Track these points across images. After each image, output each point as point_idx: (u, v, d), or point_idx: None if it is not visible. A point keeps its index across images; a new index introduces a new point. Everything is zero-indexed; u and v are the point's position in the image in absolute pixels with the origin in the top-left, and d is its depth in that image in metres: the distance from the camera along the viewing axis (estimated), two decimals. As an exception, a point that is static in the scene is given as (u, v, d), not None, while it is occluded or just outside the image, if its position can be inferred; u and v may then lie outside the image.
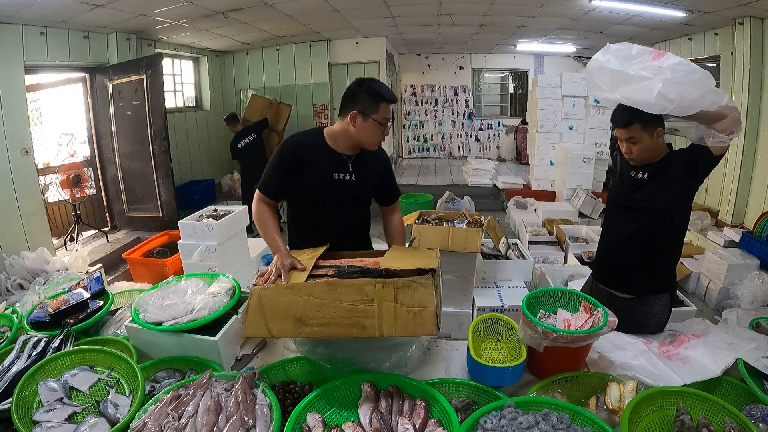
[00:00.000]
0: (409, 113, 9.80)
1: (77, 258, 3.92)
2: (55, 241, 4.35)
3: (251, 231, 5.16)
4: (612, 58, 1.52)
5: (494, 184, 6.98)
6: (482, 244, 2.91)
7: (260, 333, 1.24)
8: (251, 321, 1.23)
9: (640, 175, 1.61)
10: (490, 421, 1.03)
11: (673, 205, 1.57)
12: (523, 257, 3.05)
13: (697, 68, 1.41)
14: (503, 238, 2.99)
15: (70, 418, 1.17)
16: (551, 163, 6.28)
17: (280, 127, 5.99)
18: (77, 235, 4.55)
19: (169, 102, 6.15)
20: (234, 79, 7.46)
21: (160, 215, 5.01)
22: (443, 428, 1.07)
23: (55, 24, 4.15)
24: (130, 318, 1.50)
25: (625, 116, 1.51)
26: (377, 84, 1.55)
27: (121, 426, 1.12)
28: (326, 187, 1.62)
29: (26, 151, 3.89)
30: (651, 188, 1.58)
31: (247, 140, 5.25)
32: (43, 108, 4.61)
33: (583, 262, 3.63)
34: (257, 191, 1.66)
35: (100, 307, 1.67)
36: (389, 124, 1.57)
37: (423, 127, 9.91)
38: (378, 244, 1.88)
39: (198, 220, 3.05)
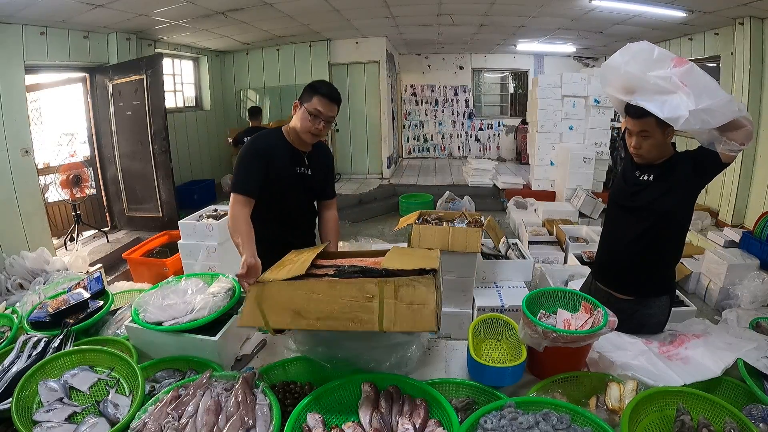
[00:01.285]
0: (409, 113, 9.80)
1: (77, 258, 3.92)
2: (55, 241, 4.35)
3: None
4: (631, 60, 1.45)
5: (494, 184, 6.99)
6: (482, 244, 2.90)
7: (256, 323, 1.22)
8: (247, 311, 1.23)
9: (645, 177, 1.58)
10: (490, 421, 1.03)
11: (679, 208, 1.56)
12: (523, 257, 3.05)
13: (723, 95, 1.34)
14: (503, 238, 2.99)
15: (70, 418, 1.17)
16: (551, 163, 6.28)
17: None
18: (77, 235, 4.55)
19: (169, 102, 6.15)
20: (234, 79, 7.46)
21: (160, 215, 5.01)
22: (443, 428, 1.07)
23: (55, 24, 4.15)
24: (130, 318, 1.50)
25: (641, 108, 1.43)
26: (321, 82, 1.70)
27: (121, 426, 1.12)
28: (290, 180, 1.75)
29: (26, 151, 3.89)
30: (657, 190, 1.55)
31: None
32: (43, 108, 4.62)
33: (583, 262, 3.63)
34: (232, 195, 1.64)
35: (100, 307, 1.67)
36: (321, 118, 1.66)
37: (423, 127, 9.91)
38: (379, 245, 1.89)
39: (198, 220, 3.05)
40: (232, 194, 1.65)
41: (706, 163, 1.48)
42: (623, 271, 1.69)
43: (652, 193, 1.56)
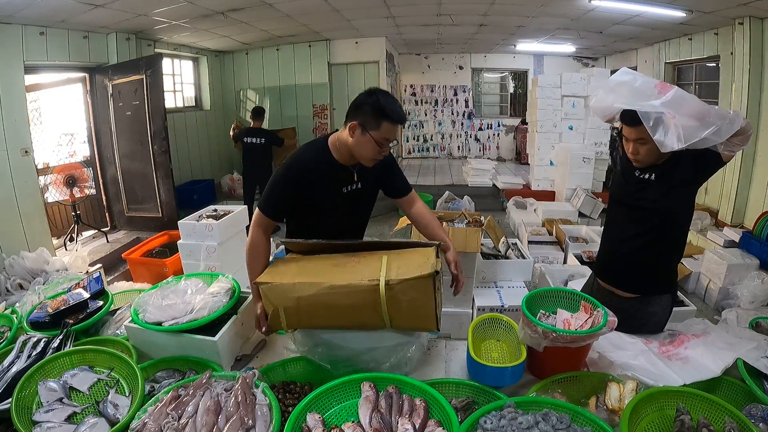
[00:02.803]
0: (409, 113, 9.79)
1: (77, 258, 3.92)
2: (55, 241, 4.35)
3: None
4: (616, 95, 1.43)
5: (494, 184, 6.99)
6: (482, 244, 2.90)
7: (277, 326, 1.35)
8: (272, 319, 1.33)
9: (646, 176, 1.58)
10: (490, 421, 1.03)
11: (680, 207, 1.56)
12: (523, 257, 3.05)
13: (713, 118, 1.29)
14: (503, 238, 2.99)
15: (69, 419, 1.17)
16: (551, 163, 6.28)
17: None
18: (77, 235, 4.55)
19: (169, 102, 6.15)
20: (234, 79, 7.45)
21: (160, 215, 5.01)
22: (443, 428, 1.07)
23: (55, 24, 4.15)
24: (130, 318, 1.50)
25: (637, 115, 1.40)
26: (386, 99, 1.44)
27: (121, 426, 1.12)
28: (335, 201, 1.57)
29: (26, 151, 3.89)
30: (659, 189, 1.55)
31: (254, 140, 5.31)
32: (43, 108, 4.61)
33: (583, 262, 3.63)
34: (257, 211, 1.54)
35: (100, 307, 1.67)
36: (390, 144, 1.47)
37: (423, 127, 9.91)
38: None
39: (198, 220, 3.05)
40: (258, 211, 1.53)
41: (707, 163, 1.49)
42: (625, 270, 1.70)
43: (654, 193, 1.56)
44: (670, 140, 1.30)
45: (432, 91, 9.67)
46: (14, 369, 1.31)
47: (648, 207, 1.58)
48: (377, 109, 1.42)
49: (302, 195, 1.52)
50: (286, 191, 1.51)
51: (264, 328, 1.42)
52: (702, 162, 1.49)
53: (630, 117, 1.46)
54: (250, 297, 1.65)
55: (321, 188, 1.53)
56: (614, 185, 1.84)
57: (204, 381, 1.21)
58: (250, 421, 1.08)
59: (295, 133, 6.25)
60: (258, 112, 5.51)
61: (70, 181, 4.37)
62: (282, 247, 3.81)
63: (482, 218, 2.80)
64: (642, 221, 1.61)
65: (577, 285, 2.32)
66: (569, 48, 7.74)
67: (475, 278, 2.75)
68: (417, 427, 1.07)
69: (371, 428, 1.08)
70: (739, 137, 1.37)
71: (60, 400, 1.21)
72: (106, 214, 5.35)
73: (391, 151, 1.63)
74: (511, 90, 9.91)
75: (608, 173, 6.03)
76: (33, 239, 3.89)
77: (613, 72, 7.71)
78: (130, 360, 1.34)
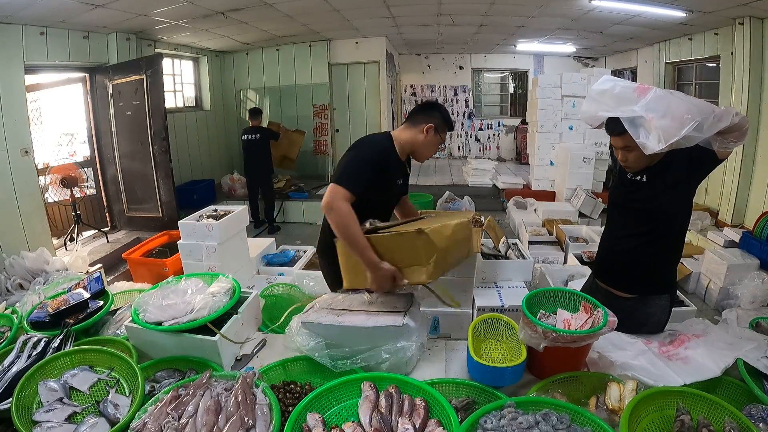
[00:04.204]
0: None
1: (77, 258, 3.92)
2: (55, 241, 4.35)
3: (253, 230, 5.22)
4: (600, 105, 1.45)
5: (494, 184, 6.98)
6: (482, 244, 2.90)
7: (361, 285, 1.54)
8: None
9: (639, 178, 1.59)
10: (490, 421, 1.03)
11: (675, 207, 1.56)
12: (523, 257, 3.04)
13: (694, 115, 1.26)
14: (503, 238, 2.98)
15: (70, 418, 1.17)
16: (551, 163, 6.28)
17: (294, 154, 6.44)
18: (77, 235, 4.55)
19: (169, 102, 6.15)
20: (234, 79, 7.46)
21: (160, 215, 5.01)
22: (443, 428, 1.07)
23: (55, 24, 4.15)
24: (130, 318, 1.50)
25: (621, 125, 1.40)
26: (448, 113, 1.82)
27: (121, 426, 1.12)
28: (392, 191, 1.81)
29: (26, 151, 3.89)
30: (651, 190, 1.56)
31: (250, 136, 5.61)
32: (43, 108, 4.61)
33: (583, 262, 3.62)
34: (342, 189, 1.52)
35: (100, 307, 1.67)
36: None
37: (423, 127, 9.90)
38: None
39: (198, 220, 3.04)
40: (340, 188, 1.52)
41: (701, 160, 1.48)
42: (623, 270, 1.70)
43: (647, 193, 1.57)
44: (651, 142, 1.31)
45: (432, 91, 9.67)
46: (14, 369, 1.31)
47: (641, 208, 1.59)
48: (447, 120, 1.78)
49: (380, 176, 1.64)
50: (373, 169, 1.63)
51: (405, 280, 1.49)
52: (696, 161, 1.49)
53: (613, 126, 1.46)
54: (251, 297, 1.65)
55: (390, 173, 1.73)
56: (612, 186, 1.85)
57: (204, 381, 1.21)
58: (251, 421, 1.08)
59: (280, 127, 6.35)
60: (254, 112, 5.75)
61: (67, 183, 4.36)
62: (282, 247, 3.79)
63: (482, 218, 2.80)
64: (636, 222, 1.62)
65: (577, 285, 2.32)
66: (569, 48, 7.74)
67: (475, 278, 2.75)
68: (417, 426, 1.07)
69: (371, 428, 1.08)
70: (734, 133, 1.35)
71: (60, 399, 1.21)
72: (107, 214, 5.35)
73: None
74: (512, 90, 9.91)
75: (608, 173, 6.03)
76: (33, 239, 3.89)
77: (613, 72, 7.75)
78: (131, 360, 1.34)
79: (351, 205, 1.52)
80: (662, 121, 1.29)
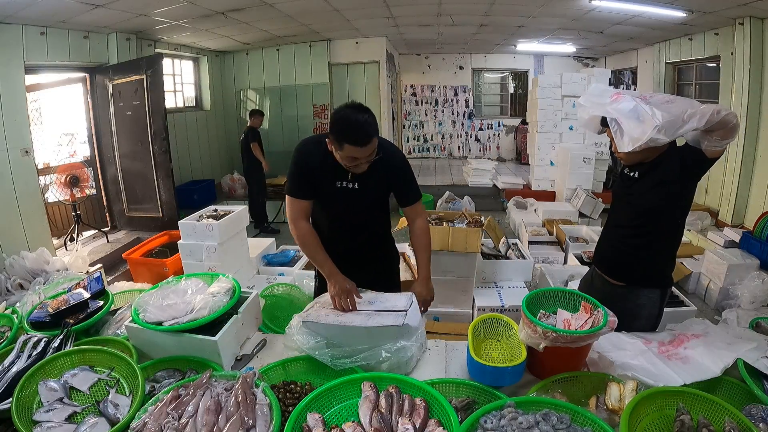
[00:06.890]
0: (409, 113, 9.80)
1: (77, 258, 3.92)
2: (55, 241, 4.35)
3: (253, 230, 5.23)
4: (590, 106, 1.61)
5: (494, 184, 6.99)
6: (482, 244, 2.91)
7: None
8: None
9: (632, 174, 1.65)
10: (490, 421, 1.03)
11: (665, 203, 1.58)
12: (523, 257, 3.05)
13: (662, 115, 1.38)
14: (503, 238, 2.99)
15: (70, 418, 1.17)
16: (551, 163, 6.28)
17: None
18: (77, 235, 4.55)
19: (169, 102, 6.15)
20: (234, 79, 7.45)
21: (160, 215, 5.01)
22: (443, 428, 1.07)
23: (55, 24, 4.15)
24: (130, 318, 1.50)
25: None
26: (347, 120, 1.44)
27: (121, 426, 1.12)
28: (332, 193, 1.65)
29: (26, 151, 3.89)
30: (642, 186, 1.61)
31: (242, 136, 5.72)
32: (43, 108, 4.61)
33: (583, 262, 3.62)
34: (288, 198, 1.65)
35: (100, 307, 1.67)
36: (361, 161, 1.49)
37: (423, 127, 9.91)
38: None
39: (198, 220, 3.04)
40: (287, 197, 1.65)
41: (689, 160, 1.51)
42: (614, 257, 1.77)
43: (638, 189, 1.63)
44: (621, 144, 1.47)
45: (432, 91, 9.67)
46: (15, 369, 1.31)
47: (633, 203, 1.65)
48: (337, 134, 1.46)
49: (310, 175, 1.62)
50: (296, 170, 1.63)
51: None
52: (687, 160, 1.52)
53: (605, 122, 1.58)
54: (251, 297, 1.66)
55: (320, 173, 1.62)
56: (615, 179, 1.92)
57: (204, 381, 1.21)
58: (251, 421, 1.08)
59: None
60: (254, 112, 5.79)
61: (73, 181, 4.38)
62: (282, 247, 3.80)
63: (482, 218, 2.80)
64: (627, 215, 1.70)
65: (576, 285, 2.32)
66: (569, 48, 7.74)
67: (476, 278, 2.75)
68: (417, 426, 1.07)
69: (371, 428, 1.08)
70: (719, 131, 1.39)
71: (60, 399, 1.21)
72: (107, 214, 5.35)
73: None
74: (512, 90, 9.91)
75: (608, 173, 6.03)
76: (33, 239, 3.89)
77: (613, 72, 7.75)
78: (131, 360, 1.34)
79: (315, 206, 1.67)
80: (630, 123, 1.43)
